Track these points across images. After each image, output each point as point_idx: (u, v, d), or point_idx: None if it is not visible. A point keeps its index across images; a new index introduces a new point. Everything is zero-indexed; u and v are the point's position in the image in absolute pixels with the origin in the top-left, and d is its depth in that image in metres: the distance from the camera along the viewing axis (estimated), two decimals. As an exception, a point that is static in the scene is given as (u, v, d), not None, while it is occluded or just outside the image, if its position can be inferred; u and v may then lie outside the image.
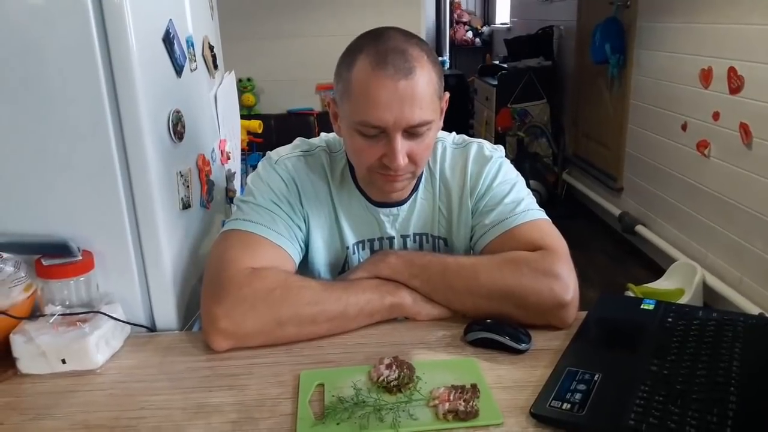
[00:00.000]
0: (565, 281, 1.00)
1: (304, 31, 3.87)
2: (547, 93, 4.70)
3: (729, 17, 2.66)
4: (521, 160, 4.44)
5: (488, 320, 0.99)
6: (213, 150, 1.36)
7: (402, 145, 0.97)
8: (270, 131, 3.08)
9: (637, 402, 0.79)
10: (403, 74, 0.93)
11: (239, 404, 0.85)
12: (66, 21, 0.94)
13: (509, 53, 5.27)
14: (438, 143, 1.15)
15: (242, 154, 1.92)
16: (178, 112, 1.13)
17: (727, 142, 2.68)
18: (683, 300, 2.66)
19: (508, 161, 1.17)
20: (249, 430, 0.80)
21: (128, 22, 0.96)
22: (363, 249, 1.15)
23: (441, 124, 1.07)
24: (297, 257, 1.08)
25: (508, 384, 0.88)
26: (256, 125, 2.52)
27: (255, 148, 3.11)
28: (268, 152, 1.15)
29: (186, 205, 1.16)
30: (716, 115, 2.74)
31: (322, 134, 1.20)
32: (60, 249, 0.99)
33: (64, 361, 0.93)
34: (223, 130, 1.46)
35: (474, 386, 0.84)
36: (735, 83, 2.59)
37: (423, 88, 0.95)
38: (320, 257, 1.13)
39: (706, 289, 2.77)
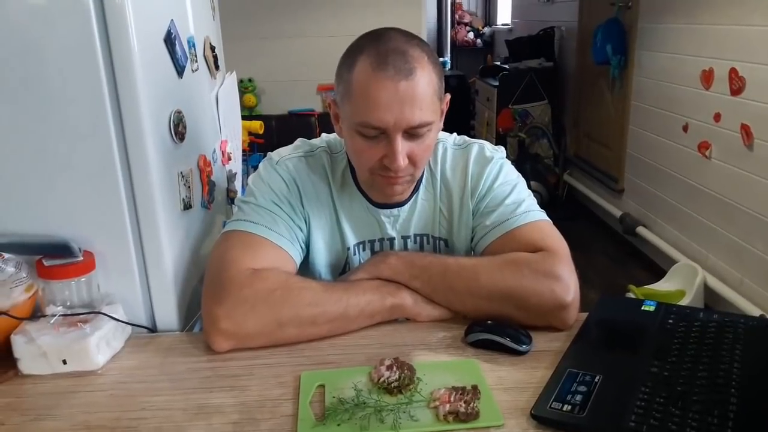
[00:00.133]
0: (565, 282, 1.00)
1: (305, 31, 3.87)
2: (549, 94, 4.70)
3: (730, 18, 2.66)
4: (522, 161, 4.44)
5: (489, 321, 0.99)
6: (214, 151, 1.36)
7: (402, 146, 0.97)
8: (271, 132, 3.08)
9: (638, 403, 0.79)
10: (403, 75, 0.93)
11: (240, 405, 0.85)
12: (67, 21, 0.94)
13: (510, 54, 5.27)
14: (439, 144, 1.15)
15: (243, 155, 1.93)
16: (179, 112, 1.13)
17: (728, 143, 2.68)
18: (684, 301, 2.65)
19: (509, 162, 1.17)
20: (250, 431, 0.80)
21: (130, 22, 0.97)
22: (364, 250, 1.15)
23: (441, 125, 1.07)
24: (298, 258, 1.08)
25: (509, 385, 0.88)
26: (257, 126, 2.52)
27: (256, 149, 3.11)
28: (269, 153, 1.15)
29: (187, 206, 1.16)
30: (717, 117, 2.74)
31: (323, 135, 1.20)
32: (61, 249, 0.99)
33: (65, 362, 0.93)
34: (224, 130, 1.46)
35: (475, 387, 0.84)
36: (736, 84, 2.59)
37: (423, 89, 0.95)
38: (321, 258, 1.14)
39: (707, 291, 2.76)
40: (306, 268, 1.13)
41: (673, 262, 3.03)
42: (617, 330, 1.02)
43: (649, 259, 3.46)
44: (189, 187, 1.17)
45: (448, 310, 1.05)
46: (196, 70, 1.26)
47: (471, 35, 7.29)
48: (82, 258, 1.00)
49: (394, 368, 0.88)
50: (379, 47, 0.95)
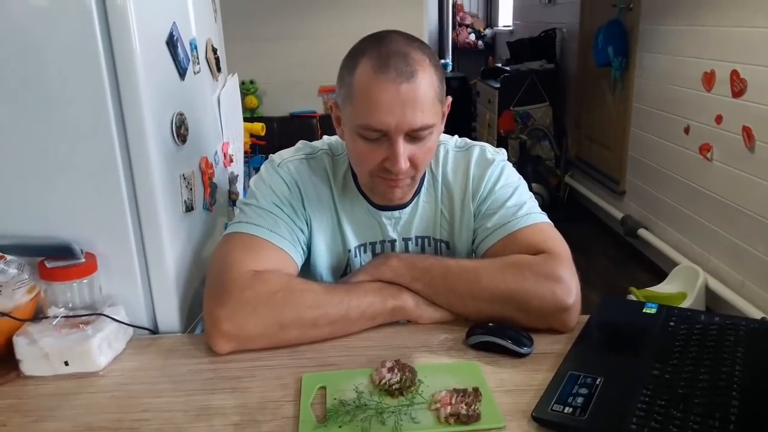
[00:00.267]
0: (567, 285, 1.00)
1: (306, 33, 3.88)
2: (550, 96, 4.70)
3: (732, 20, 2.66)
4: (523, 163, 4.43)
5: (490, 324, 0.99)
6: (216, 152, 1.36)
7: (404, 148, 0.97)
8: (272, 134, 3.08)
9: (639, 406, 0.79)
10: (405, 78, 0.94)
11: (241, 407, 0.85)
12: (70, 22, 0.94)
13: (512, 56, 5.27)
14: (440, 146, 1.15)
15: (245, 157, 1.93)
16: (181, 114, 1.13)
17: (729, 145, 2.68)
18: (685, 304, 2.65)
19: (510, 164, 1.17)
20: (251, 433, 0.80)
21: (132, 24, 0.97)
22: (365, 252, 1.15)
23: (443, 128, 1.07)
24: (299, 260, 1.08)
25: (510, 387, 0.88)
26: (258, 128, 2.53)
27: (258, 151, 3.12)
28: (271, 155, 1.15)
29: (189, 208, 1.16)
30: (719, 119, 2.74)
31: (325, 137, 1.20)
32: (63, 251, 0.99)
33: (66, 363, 0.93)
34: (226, 132, 1.46)
35: (476, 390, 0.84)
36: (738, 86, 2.59)
37: (425, 92, 0.95)
38: (322, 260, 1.14)
39: (709, 293, 2.76)
40: (307, 270, 1.13)
41: (674, 264, 3.03)
42: (618, 332, 1.02)
43: (651, 261, 3.45)
44: (191, 189, 1.17)
45: (450, 312, 1.05)
46: (198, 72, 1.26)
47: (472, 37, 7.29)
48: (84, 260, 1.00)
49: (396, 370, 0.88)
50: (380, 50, 0.96)
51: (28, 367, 0.93)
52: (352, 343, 1.00)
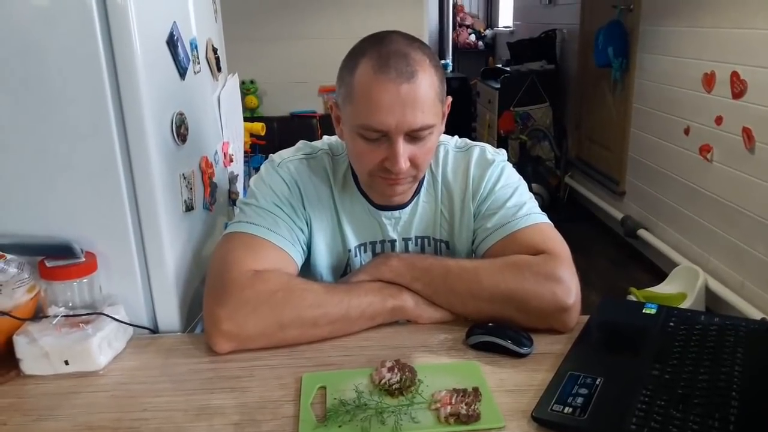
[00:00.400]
0: (567, 285, 1.00)
1: (306, 33, 3.88)
2: (550, 96, 4.70)
3: (732, 21, 2.66)
4: (523, 164, 4.44)
5: (490, 324, 0.99)
6: (216, 152, 1.36)
7: (404, 148, 0.97)
8: (273, 133, 3.09)
9: (639, 406, 0.79)
10: (405, 78, 0.94)
11: (241, 406, 0.85)
12: (70, 22, 0.94)
13: (512, 56, 5.28)
14: (440, 147, 1.15)
15: (245, 157, 1.93)
16: (181, 114, 1.13)
17: (729, 146, 2.68)
18: (685, 304, 2.65)
19: (510, 165, 1.17)
20: (251, 433, 0.80)
21: (132, 24, 0.97)
22: (365, 252, 1.15)
23: (443, 128, 1.07)
24: (299, 260, 1.08)
25: (510, 387, 0.88)
26: (258, 127, 2.53)
27: (258, 151, 3.12)
28: (271, 155, 1.15)
29: (189, 208, 1.16)
30: (719, 120, 2.74)
31: (325, 137, 1.20)
32: (63, 251, 0.99)
33: (66, 363, 0.93)
34: (226, 132, 1.46)
35: (476, 390, 0.84)
36: (738, 87, 2.59)
37: (425, 92, 0.95)
38: (322, 260, 1.14)
39: (709, 294, 2.76)
40: (307, 270, 1.13)
41: (674, 264, 3.03)
42: (618, 333, 1.02)
43: (651, 261, 3.45)
44: (191, 188, 1.17)
45: (450, 312, 1.05)
46: (198, 72, 1.26)
47: (472, 37, 7.29)
48: (84, 259, 1.00)
49: (396, 370, 0.88)
50: (380, 50, 0.96)
51: (28, 366, 0.93)
52: (351, 343, 1.00)
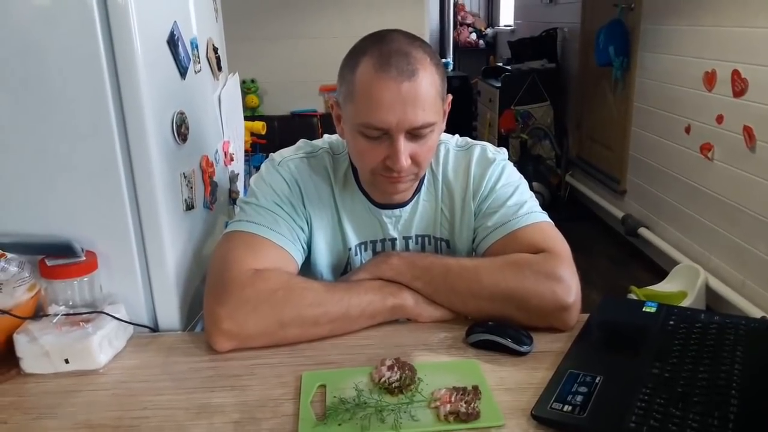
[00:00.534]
0: (567, 284, 1.00)
1: (307, 32, 3.88)
2: (551, 95, 4.70)
3: (733, 20, 2.65)
4: (524, 163, 4.43)
5: (490, 322, 0.99)
6: (216, 151, 1.37)
7: (405, 146, 0.97)
8: (273, 132, 3.09)
9: (639, 405, 0.79)
10: (406, 76, 0.94)
11: (241, 405, 0.85)
12: (71, 22, 0.94)
13: (513, 55, 5.27)
14: (441, 145, 1.15)
15: (245, 156, 1.93)
16: (182, 113, 1.13)
17: (730, 145, 2.68)
18: (686, 303, 2.65)
19: (511, 164, 1.17)
20: (251, 431, 0.80)
21: (133, 23, 0.97)
22: (365, 250, 1.15)
23: (444, 126, 1.07)
24: (299, 258, 1.08)
25: (510, 386, 0.88)
26: (259, 126, 2.53)
27: (258, 150, 3.12)
28: (271, 154, 1.15)
29: (189, 207, 1.16)
30: (720, 118, 2.74)
31: (326, 136, 1.20)
32: (64, 249, 1.00)
33: (67, 361, 0.93)
34: (227, 131, 1.46)
35: (475, 388, 0.84)
36: (739, 86, 2.59)
37: (426, 90, 0.96)
38: (322, 259, 1.14)
39: (709, 292, 2.76)
40: (307, 269, 1.14)
41: (674, 263, 3.03)
42: (618, 331, 1.02)
43: (651, 260, 3.45)
44: (191, 187, 1.17)
45: (450, 310, 1.06)
46: (198, 71, 1.26)
47: (473, 36, 7.29)
48: (84, 258, 1.00)
49: (395, 368, 0.88)
50: (381, 48, 0.96)
51: (28, 364, 0.94)
52: (351, 342, 1.00)
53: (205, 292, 1.00)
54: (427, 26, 4.14)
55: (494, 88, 4.92)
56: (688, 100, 3.00)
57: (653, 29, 3.36)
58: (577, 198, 4.53)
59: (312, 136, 1.22)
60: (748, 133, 2.54)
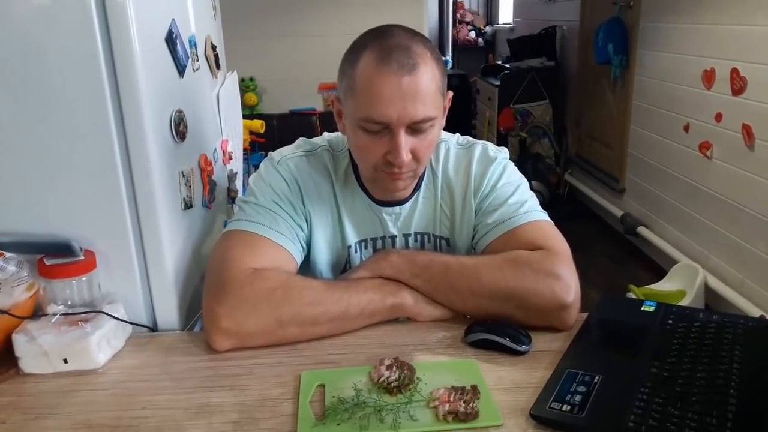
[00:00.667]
0: (566, 282, 1.00)
1: (306, 30, 3.87)
2: (550, 93, 4.70)
3: (732, 18, 2.65)
4: (523, 161, 4.43)
5: (489, 321, 0.99)
6: (215, 150, 1.36)
7: (405, 141, 0.97)
8: (272, 131, 3.08)
9: (637, 404, 0.79)
10: (406, 70, 0.94)
11: (240, 404, 0.85)
12: (69, 21, 0.94)
13: (512, 53, 5.27)
14: (441, 144, 1.15)
15: (244, 154, 1.92)
16: (180, 112, 1.13)
17: (729, 143, 2.68)
18: (685, 302, 2.65)
19: (512, 163, 1.17)
20: (250, 430, 0.80)
21: (131, 22, 0.97)
22: (365, 248, 1.15)
23: (444, 122, 1.07)
24: (299, 257, 1.08)
25: (509, 385, 0.88)
26: (258, 125, 2.52)
27: (257, 148, 3.12)
28: (270, 153, 1.15)
29: (188, 205, 1.16)
30: (719, 117, 2.74)
31: (325, 134, 1.20)
32: (62, 249, 0.99)
33: (65, 361, 0.93)
34: (225, 129, 1.46)
35: (474, 387, 0.84)
36: (738, 84, 2.59)
37: (426, 85, 0.96)
38: (322, 256, 1.14)
39: (708, 291, 2.76)
40: (307, 267, 1.14)
41: (673, 262, 3.03)
42: (617, 330, 1.02)
43: (650, 259, 3.45)
44: (190, 186, 1.17)
45: (449, 309, 1.05)
46: (197, 70, 1.26)
47: (472, 34, 7.28)
48: (83, 257, 1.00)
49: (394, 368, 0.88)
50: (382, 43, 0.96)
51: (27, 364, 0.93)
52: (350, 341, 1.00)
53: (203, 291, 1.00)
54: (426, 24, 4.13)
55: (493, 87, 4.92)
56: (687, 98, 3.00)
57: (652, 27, 3.36)
58: (576, 196, 4.54)
59: (311, 134, 1.22)
60: (747, 131, 2.54)
